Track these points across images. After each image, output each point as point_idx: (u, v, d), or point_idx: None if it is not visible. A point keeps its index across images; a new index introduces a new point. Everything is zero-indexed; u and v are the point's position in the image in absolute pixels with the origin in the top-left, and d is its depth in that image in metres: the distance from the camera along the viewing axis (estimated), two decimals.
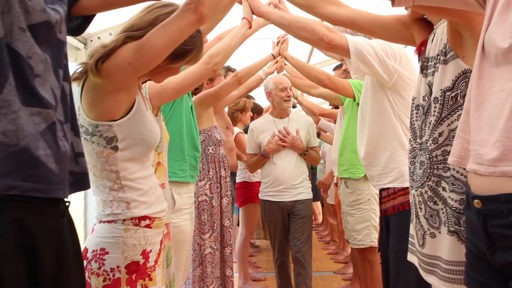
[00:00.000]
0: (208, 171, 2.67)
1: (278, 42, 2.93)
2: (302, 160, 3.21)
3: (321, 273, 4.21)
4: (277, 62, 3.08)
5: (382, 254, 2.02)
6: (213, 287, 2.61)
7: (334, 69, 3.91)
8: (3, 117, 0.82)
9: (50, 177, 0.89)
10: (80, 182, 1.04)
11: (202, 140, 2.61)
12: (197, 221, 2.55)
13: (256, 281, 4.00)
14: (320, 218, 6.99)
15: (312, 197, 3.27)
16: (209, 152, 2.68)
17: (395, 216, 1.92)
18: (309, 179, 3.31)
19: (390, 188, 1.97)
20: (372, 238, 2.81)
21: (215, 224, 2.65)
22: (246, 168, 3.60)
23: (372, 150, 2.01)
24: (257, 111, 4.43)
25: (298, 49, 4.41)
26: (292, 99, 3.59)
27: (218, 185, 2.71)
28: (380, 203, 2.04)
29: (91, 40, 2.98)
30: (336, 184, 3.69)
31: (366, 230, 2.85)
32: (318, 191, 5.18)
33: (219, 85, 2.64)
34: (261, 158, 3.18)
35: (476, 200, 0.97)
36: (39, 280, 0.87)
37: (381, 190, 2.03)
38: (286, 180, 3.12)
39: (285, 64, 3.15)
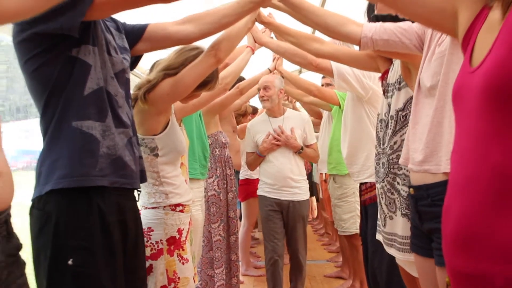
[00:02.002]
0: (216, 170, 2.96)
1: (274, 59, 3.22)
2: (299, 159, 3.15)
3: (315, 262, 4.49)
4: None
5: (362, 237, 2.38)
6: (221, 269, 2.94)
7: (323, 76, 4.15)
8: (107, 137, 1.23)
9: (132, 174, 1.31)
10: (141, 177, 1.43)
11: (210, 143, 2.89)
12: (207, 212, 2.85)
13: (257, 268, 4.31)
14: (315, 213, 7.13)
15: (308, 198, 3.23)
16: (216, 154, 2.96)
17: (372, 205, 2.26)
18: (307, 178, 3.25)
19: (367, 182, 2.34)
20: (357, 226, 3.03)
21: (222, 215, 2.96)
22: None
23: (353, 151, 2.38)
24: (252, 111, 4.74)
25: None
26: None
27: (225, 182, 3.01)
28: (360, 195, 2.41)
29: None
30: (325, 181, 3.97)
31: (352, 219, 3.16)
32: (314, 187, 5.41)
33: (224, 96, 2.83)
34: (257, 157, 3.17)
35: (411, 188, 1.38)
36: (127, 244, 1.29)
37: (361, 184, 2.40)
38: (282, 179, 3.07)
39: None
